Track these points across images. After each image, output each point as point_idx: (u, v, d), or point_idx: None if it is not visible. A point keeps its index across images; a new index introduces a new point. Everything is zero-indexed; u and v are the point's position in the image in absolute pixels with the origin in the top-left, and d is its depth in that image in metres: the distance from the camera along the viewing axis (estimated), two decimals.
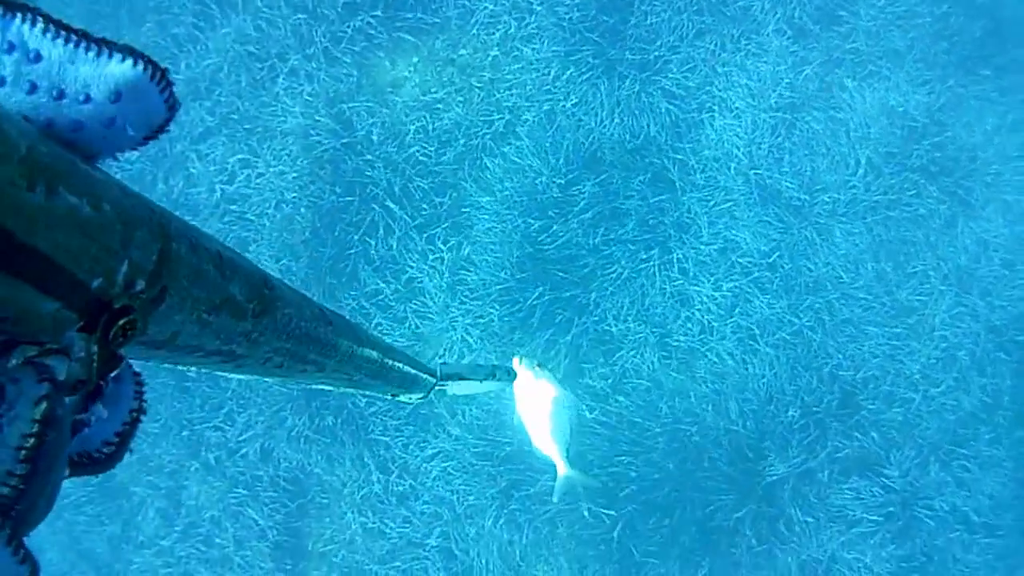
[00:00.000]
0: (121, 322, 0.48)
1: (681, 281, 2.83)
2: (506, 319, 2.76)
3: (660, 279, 2.83)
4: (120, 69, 0.45)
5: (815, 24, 3.09)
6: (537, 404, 2.11)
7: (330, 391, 2.50)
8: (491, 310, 2.69)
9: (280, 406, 2.90)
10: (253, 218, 2.85)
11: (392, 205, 2.71)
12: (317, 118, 2.79)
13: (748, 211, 2.87)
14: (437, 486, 2.93)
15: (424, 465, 2.94)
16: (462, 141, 2.83)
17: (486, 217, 2.78)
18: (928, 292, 3.06)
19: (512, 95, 2.85)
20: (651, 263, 2.81)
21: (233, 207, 2.91)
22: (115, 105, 0.46)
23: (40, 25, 0.42)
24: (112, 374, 0.48)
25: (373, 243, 2.78)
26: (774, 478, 2.94)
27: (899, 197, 3.04)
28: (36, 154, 0.40)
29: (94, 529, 3.16)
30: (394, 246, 2.76)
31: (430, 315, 2.73)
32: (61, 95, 0.44)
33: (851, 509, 3.01)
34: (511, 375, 2.01)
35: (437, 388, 1.55)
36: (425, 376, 1.48)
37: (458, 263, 2.77)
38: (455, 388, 1.78)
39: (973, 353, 3.09)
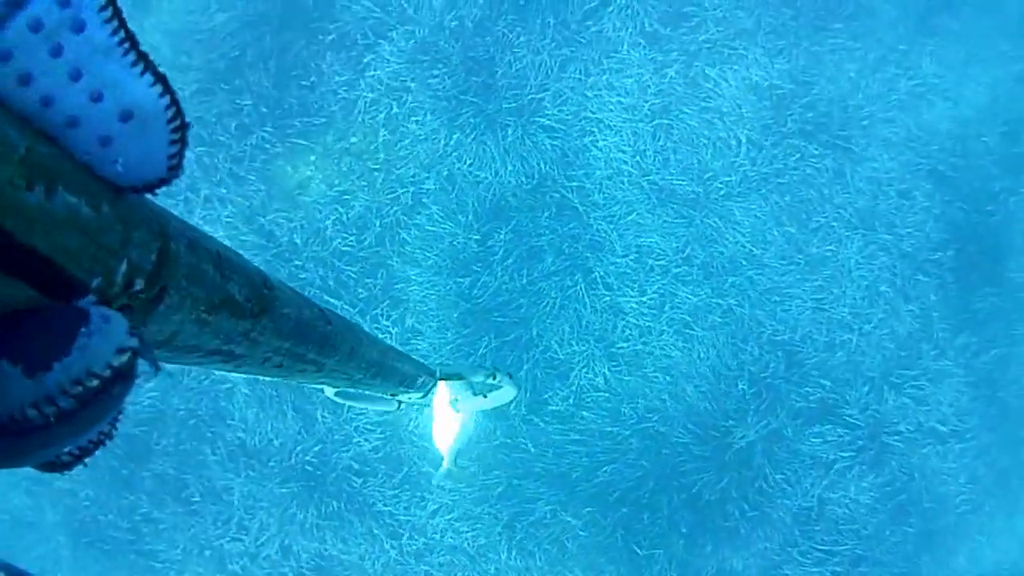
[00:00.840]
0: None
1: (608, 296, 3.23)
2: (447, 340, 3.14)
3: (589, 299, 3.23)
4: (144, 90, 0.44)
5: (665, 27, 3.52)
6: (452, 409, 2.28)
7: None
8: (447, 361, 3.07)
9: (286, 505, 3.25)
10: None
11: (331, 299, 3.10)
12: (241, 238, 3.17)
13: (651, 216, 3.28)
14: (447, 538, 3.30)
15: (429, 522, 3.31)
16: (376, 223, 3.23)
17: (418, 287, 3.17)
18: (836, 240, 3.48)
19: (410, 169, 3.25)
20: (577, 287, 3.21)
21: None
22: (119, 124, 0.44)
23: (101, 2, 0.41)
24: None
25: None
26: (743, 445, 3.33)
27: (785, 163, 3.47)
28: (35, 154, 0.40)
29: None
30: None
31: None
32: (78, 76, 0.42)
33: (823, 453, 3.40)
34: (511, 378, 2.12)
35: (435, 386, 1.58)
36: (425, 376, 1.54)
37: (405, 335, 3.16)
38: (465, 406, 1.88)
39: (893, 283, 3.52)
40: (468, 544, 3.20)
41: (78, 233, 0.43)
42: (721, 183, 3.36)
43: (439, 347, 3.10)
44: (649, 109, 3.39)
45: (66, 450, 0.47)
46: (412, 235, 3.17)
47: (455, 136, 3.17)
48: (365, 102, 3.25)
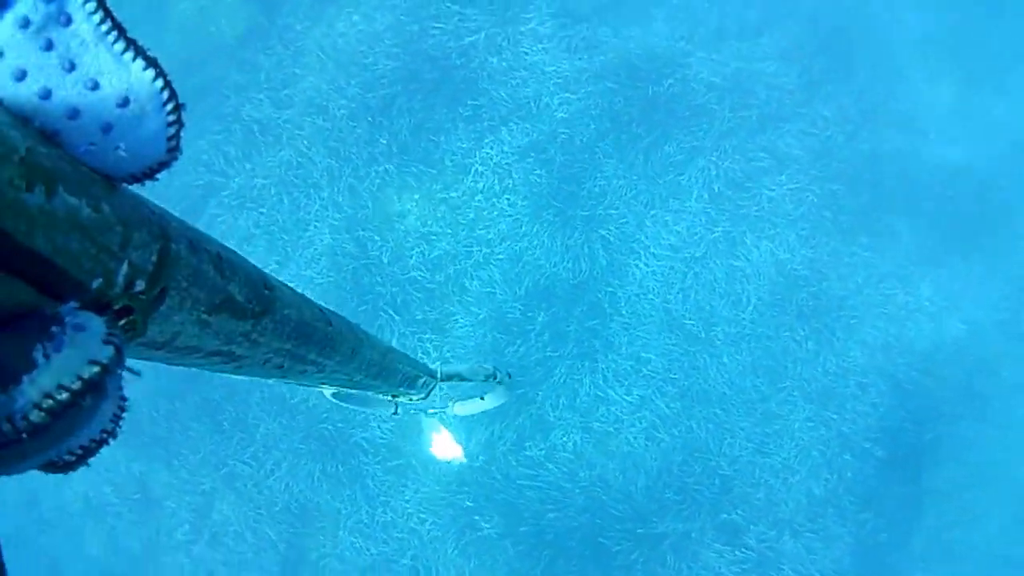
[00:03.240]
0: (121, 323, 0.57)
1: (603, 385, 4.78)
2: None
3: (587, 383, 4.77)
4: (139, 75, 0.51)
5: (728, 189, 5.01)
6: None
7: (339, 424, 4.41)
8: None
9: (300, 454, 4.81)
10: None
11: (393, 313, 4.63)
12: (342, 243, 4.69)
13: (658, 336, 4.81)
14: (410, 521, 4.87)
15: (402, 504, 4.88)
16: (450, 267, 4.74)
17: (463, 328, 4.70)
18: (792, 403, 5.02)
19: (489, 234, 4.76)
20: (583, 371, 4.75)
21: None
22: (119, 110, 0.52)
23: None
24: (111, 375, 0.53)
25: (381, 336, 4.70)
26: (659, 532, 4.91)
27: (777, 332, 4.99)
28: (36, 155, 0.46)
29: (132, 531, 5.08)
30: (393, 343, 4.68)
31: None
32: (72, 67, 0.49)
33: (716, 564, 4.99)
34: (511, 378, 2.39)
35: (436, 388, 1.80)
36: (425, 377, 1.72)
37: (440, 361, 4.70)
38: (458, 408, 2.14)
39: (824, 452, 5.06)
40: (424, 531, 4.78)
41: (78, 234, 0.49)
42: (722, 331, 4.88)
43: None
44: (689, 252, 4.90)
45: (65, 450, 0.52)
46: (473, 286, 4.68)
47: (534, 226, 4.68)
48: (474, 170, 4.74)
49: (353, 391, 1.51)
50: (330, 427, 4.53)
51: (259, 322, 0.81)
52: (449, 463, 3.61)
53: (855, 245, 4.97)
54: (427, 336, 4.56)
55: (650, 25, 4.95)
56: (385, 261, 4.60)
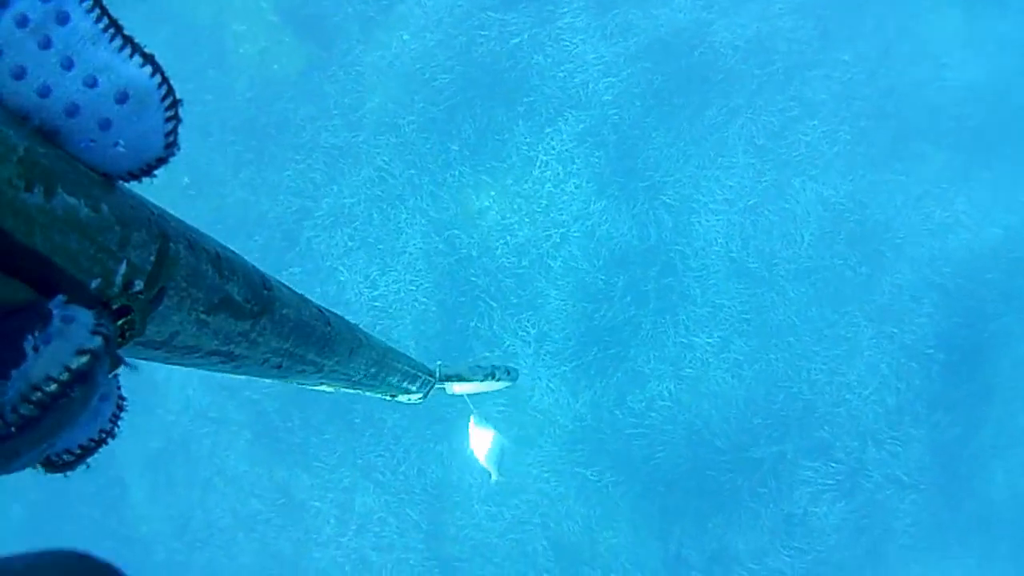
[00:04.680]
0: (120, 322, 0.62)
1: (686, 333, 5.83)
2: (572, 371, 5.75)
3: (672, 334, 5.81)
4: (136, 71, 0.58)
5: (769, 141, 6.04)
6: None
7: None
8: (564, 367, 5.67)
9: (427, 439, 5.86)
10: (394, 312, 5.80)
11: (491, 302, 5.67)
12: (433, 243, 5.73)
13: (727, 283, 5.85)
14: (537, 483, 5.92)
15: (527, 468, 5.93)
16: (532, 250, 5.77)
17: (554, 303, 5.75)
18: (855, 325, 6.06)
19: (563, 216, 5.79)
20: (666, 324, 5.79)
21: (377, 304, 5.85)
22: (117, 106, 0.58)
23: None
24: (110, 374, 0.59)
25: (481, 327, 5.74)
26: (757, 457, 5.97)
27: (832, 261, 6.04)
28: (34, 155, 0.50)
29: (281, 535, 6.13)
30: (495, 327, 5.73)
31: (522, 372, 5.71)
32: (70, 65, 0.55)
33: (812, 478, 6.05)
34: (511, 375, 2.60)
35: (436, 387, 1.92)
36: (424, 376, 1.85)
37: (539, 336, 5.75)
38: (456, 388, 2.33)
39: (891, 364, 6.12)
40: (550, 489, 5.84)
41: (77, 234, 0.54)
42: (783, 268, 5.93)
43: (563, 348, 5.69)
44: (743, 203, 5.94)
45: (63, 448, 0.56)
46: (557, 265, 5.72)
47: (601, 202, 5.71)
48: (540, 161, 5.77)
49: (352, 391, 1.67)
50: (451, 411, 5.57)
51: (258, 322, 0.89)
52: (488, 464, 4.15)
53: (890, 172, 6.00)
54: (524, 315, 5.60)
55: (672, 2, 5.97)
56: (475, 255, 5.63)
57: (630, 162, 5.61)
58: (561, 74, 5.66)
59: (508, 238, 5.56)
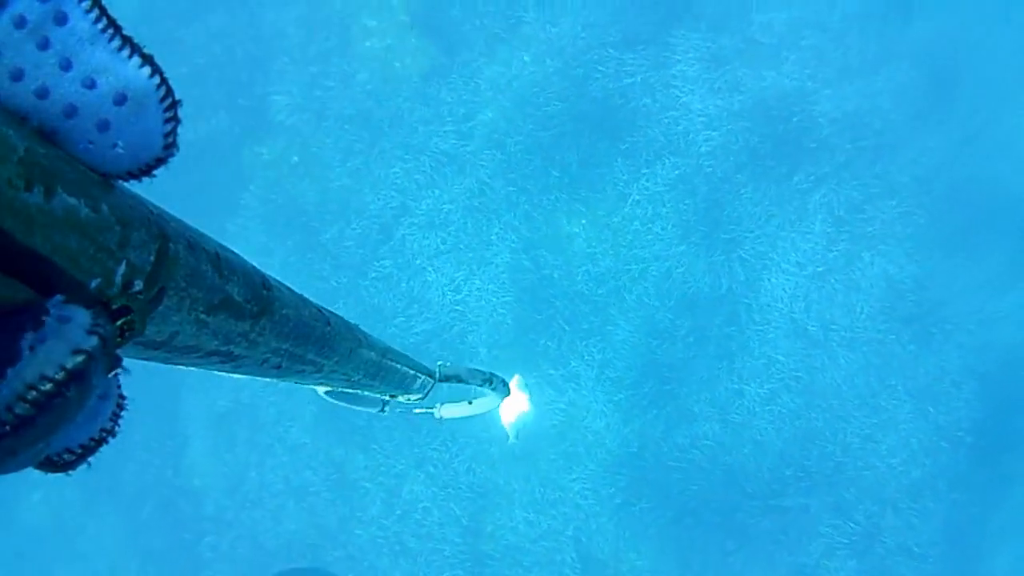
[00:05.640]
0: (119, 323, 0.67)
1: (738, 382, 6.63)
2: (627, 399, 6.53)
3: (726, 380, 6.64)
4: (135, 72, 0.62)
5: (847, 213, 6.81)
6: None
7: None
8: (620, 394, 6.46)
9: (483, 440, 6.63)
10: (472, 318, 6.55)
11: (564, 324, 6.45)
12: (520, 260, 6.48)
13: (785, 340, 6.67)
14: (576, 498, 6.72)
15: (569, 483, 6.72)
16: (611, 281, 6.56)
17: (622, 333, 6.54)
18: (896, 398, 6.92)
19: (645, 254, 6.58)
20: (721, 370, 6.62)
21: (458, 308, 6.61)
22: (115, 108, 0.63)
23: None
24: (110, 374, 0.64)
25: (551, 345, 6.51)
26: (783, 507, 6.79)
27: (885, 337, 6.85)
28: (34, 155, 0.55)
29: (329, 509, 6.92)
30: (563, 348, 6.50)
31: (583, 393, 6.49)
32: (68, 66, 0.60)
33: (829, 534, 6.88)
34: (505, 389, 2.78)
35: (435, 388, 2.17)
36: (424, 377, 2.05)
37: (603, 362, 6.53)
38: (444, 412, 2.58)
39: (921, 441, 6.97)
40: (587, 506, 6.66)
41: (77, 234, 0.59)
42: (838, 335, 6.74)
43: (623, 377, 6.47)
44: (812, 268, 6.72)
45: (62, 448, 0.63)
46: (631, 298, 6.54)
47: (682, 246, 6.52)
48: (632, 199, 6.54)
49: (350, 391, 1.76)
50: None
51: (257, 322, 0.97)
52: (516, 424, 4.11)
53: (954, 259, 6.78)
54: (592, 340, 6.40)
55: (782, 67, 6.68)
56: (556, 277, 6.45)
57: (716, 213, 6.44)
58: (666, 120, 6.54)
59: (590, 266, 6.39)
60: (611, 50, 7.04)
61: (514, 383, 3.97)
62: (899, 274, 7.31)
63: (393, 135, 7.09)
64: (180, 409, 7.44)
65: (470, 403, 2.75)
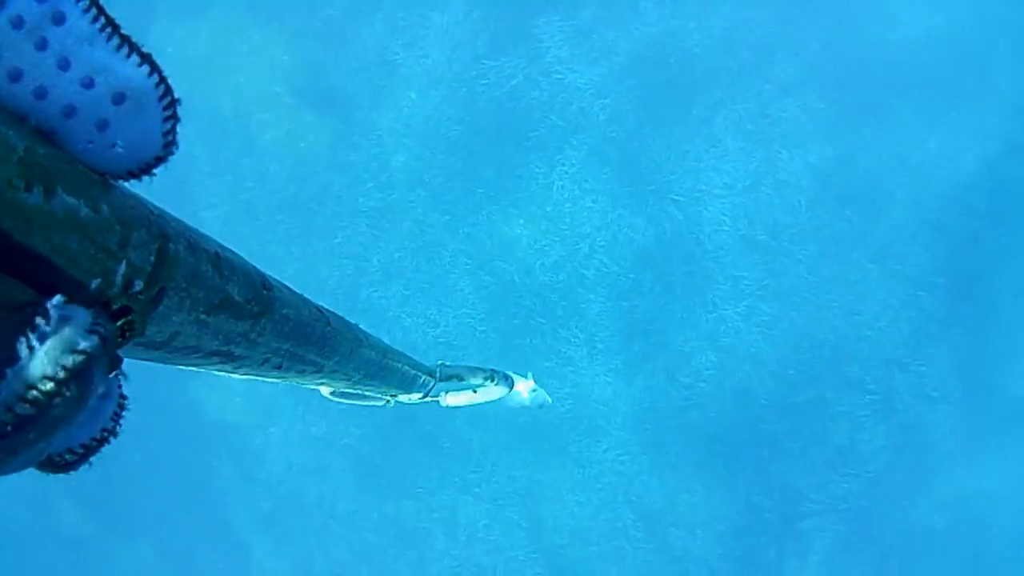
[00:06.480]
0: (119, 323, 0.69)
1: (715, 309, 7.24)
2: (622, 363, 7.13)
3: (703, 312, 7.26)
4: (133, 71, 0.64)
5: (752, 125, 7.40)
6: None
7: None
8: (614, 361, 7.05)
9: (511, 447, 7.24)
10: (458, 345, 7.16)
11: (540, 318, 7.07)
12: (481, 277, 7.09)
13: (742, 257, 7.31)
14: (614, 465, 7.32)
15: (601, 455, 7.32)
16: (567, 265, 7.17)
17: (594, 305, 7.16)
18: (863, 269, 7.54)
19: (587, 230, 7.20)
20: (696, 305, 7.22)
21: (441, 340, 7.22)
22: (114, 107, 0.64)
23: None
24: (111, 375, 0.66)
25: (536, 341, 7.12)
26: (801, 400, 7.36)
27: (830, 220, 7.45)
28: (34, 155, 0.57)
29: (399, 559, 7.53)
30: (548, 340, 7.11)
31: (580, 371, 7.09)
32: (66, 65, 0.61)
33: (853, 412, 7.45)
34: (508, 381, 2.98)
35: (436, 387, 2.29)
36: (424, 376, 2.13)
37: (588, 339, 7.13)
38: (449, 399, 2.73)
39: (900, 297, 7.55)
40: (625, 469, 7.24)
41: (77, 234, 0.61)
42: (787, 234, 7.32)
43: (610, 345, 7.07)
44: (741, 184, 7.31)
45: (64, 448, 0.65)
46: (590, 273, 7.15)
47: (617, 210, 7.11)
48: (556, 186, 7.15)
49: (351, 390, 1.79)
50: (526, 418, 6.96)
51: (258, 322, 1.00)
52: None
53: (864, 129, 7.35)
54: (571, 323, 7.01)
55: (643, 17, 7.29)
56: (517, 279, 7.06)
57: (635, 170, 7.05)
58: (559, 104, 7.09)
59: (543, 259, 6.99)
60: (485, 61, 7.60)
61: (528, 384, 4.15)
62: (820, 160, 7.86)
63: (323, 210, 7.64)
64: (232, 521, 8.07)
65: (475, 391, 2.92)
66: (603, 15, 7.74)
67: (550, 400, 4.38)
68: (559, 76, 7.68)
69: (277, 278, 1.15)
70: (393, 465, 7.63)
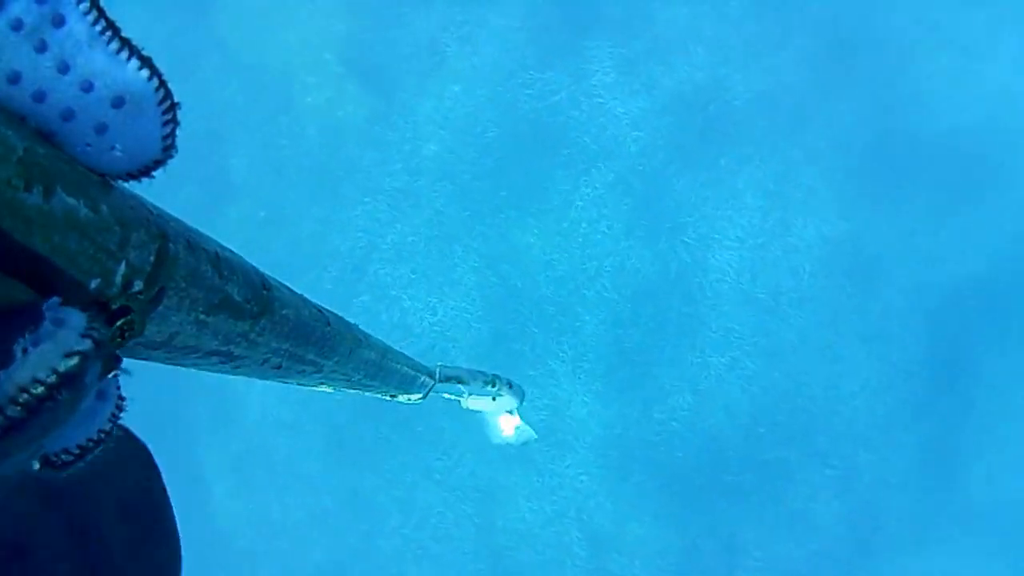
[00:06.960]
0: (119, 323, 0.70)
1: (701, 355, 7.55)
2: (603, 387, 7.46)
3: (690, 355, 7.57)
4: (133, 75, 0.65)
5: (775, 185, 7.72)
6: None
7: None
8: (597, 383, 7.38)
9: (482, 446, 7.57)
10: (451, 336, 7.48)
11: (535, 328, 7.39)
12: (486, 276, 7.41)
13: (738, 310, 7.60)
14: (573, 481, 7.65)
15: (564, 469, 7.65)
16: (571, 282, 7.49)
17: (590, 327, 7.46)
18: (850, 345, 7.87)
19: (596, 252, 7.52)
20: (684, 347, 7.54)
21: (436, 328, 7.54)
22: (113, 111, 0.65)
23: None
24: (110, 375, 0.68)
25: (525, 349, 7.44)
26: (764, 460, 7.69)
27: (829, 291, 7.77)
28: (34, 155, 0.58)
29: (350, 527, 7.86)
30: (538, 350, 7.43)
31: (561, 387, 7.42)
32: (65, 69, 0.62)
33: (812, 480, 7.78)
34: (514, 389, 3.13)
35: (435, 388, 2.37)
36: (424, 377, 2.20)
37: (575, 356, 7.45)
38: (471, 403, 2.89)
39: (880, 379, 7.87)
40: (583, 486, 7.58)
41: (77, 234, 0.62)
42: (787, 297, 7.64)
43: (596, 368, 7.40)
44: (753, 241, 7.63)
45: (60, 448, 0.67)
46: (591, 295, 7.47)
47: (629, 241, 7.43)
48: (577, 205, 7.47)
49: (352, 391, 1.87)
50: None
51: (258, 322, 1.03)
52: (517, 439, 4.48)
53: (881, 210, 7.68)
54: (563, 339, 7.33)
55: (690, 59, 7.60)
56: (520, 286, 7.36)
57: (655, 205, 7.36)
58: (594, 128, 7.43)
59: (550, 271, 7.30)
60: (532, 72, 7.88)
61: (514, 421, 4.17)
62: (833, 232, 8.18)
63: (350, 180, 7.95)
64: (199, 458, 8.39)
65: (494, 399, 3.12)
66: (653, 49, 8.05)
67: (536, 436, 4.46)
68: (600, 100, 7.98)
69: (276, 278, 1.18)
70: (363, 438, 7.94)
